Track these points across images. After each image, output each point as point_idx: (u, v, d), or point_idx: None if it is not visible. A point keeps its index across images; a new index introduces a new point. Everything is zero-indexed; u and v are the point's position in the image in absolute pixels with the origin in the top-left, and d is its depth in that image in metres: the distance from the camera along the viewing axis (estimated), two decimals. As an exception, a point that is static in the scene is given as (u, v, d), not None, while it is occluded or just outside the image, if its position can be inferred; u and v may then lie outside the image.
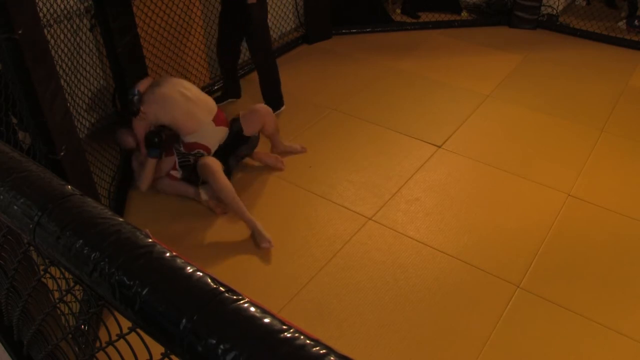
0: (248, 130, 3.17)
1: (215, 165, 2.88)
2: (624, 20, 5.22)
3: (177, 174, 3.12)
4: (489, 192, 3.18)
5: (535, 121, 3.83)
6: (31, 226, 0.84)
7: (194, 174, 3.09)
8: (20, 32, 1.89)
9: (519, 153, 3.49)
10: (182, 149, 3.07)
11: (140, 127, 3.02)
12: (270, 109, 3.24)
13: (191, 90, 3.07)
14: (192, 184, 3.10)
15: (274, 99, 3.83)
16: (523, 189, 3.19)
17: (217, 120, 3.08)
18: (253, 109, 3.20)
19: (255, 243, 2.79)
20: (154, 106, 2.96)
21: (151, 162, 3.02)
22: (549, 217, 2.97)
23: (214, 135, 3.08)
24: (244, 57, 4.50)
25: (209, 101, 3.11)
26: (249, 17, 3.52)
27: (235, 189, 3.02)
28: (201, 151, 3.05)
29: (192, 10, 3.89)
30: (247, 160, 3.37)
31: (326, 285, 2.59)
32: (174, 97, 2.97)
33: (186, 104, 2.97)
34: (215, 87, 4.17)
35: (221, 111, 3.15)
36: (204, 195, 3.05)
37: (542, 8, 5.16)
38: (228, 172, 3.07)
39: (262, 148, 3.39)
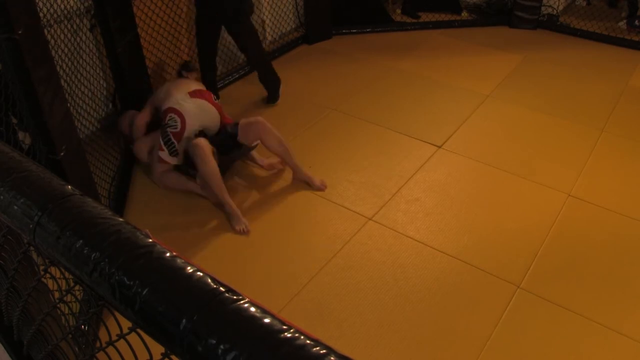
0: (242, 138, 3.16)
1: (205, 145, 2.92)
2: (625, 21, 5.21)
3: (165, 156, 3.08)
4: (489, 192, 3.18)
5: (535, 121, 3.83)
6: (31, 226, 0.84)
7: (190, 170, 3.11)
8: (20, 32, 1.89)
9: (519, 153, 3.49)
10: (162, 121, 3.13)
11: (147, 110, 3.31)
12: (268, 125, 3.11)
13: (184, 80, 3.33)
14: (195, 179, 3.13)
15: (274, 85, 3.99)
16: (523, 189, 3.19)
17: (193, 94, 3.16)
18: (251, 120, 3.14)
19: (231, 226, 2.90)
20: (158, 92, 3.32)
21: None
22: (549, 217, 2.97)
23: (187, 104, 3.11)
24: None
25: (193, 83, 3.28)
26: (237, 13, 3.60)
27: (236, 188, 3.02)
28: (173, 115, 3.06)
29: (192, 11, 3.89)
30: (248, 163, 3.36)
31: (326, 285, 2.59)
32: (166, 85, 3.30)
33: (168, 84, 3.27)
34: (218, 86, 4.17)
35: (209, 94, 3.24)
36: (200, 181, 3.07)
37: (543, 8, 5.16)
38: (222, 170, 3.09)
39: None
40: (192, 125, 3.08)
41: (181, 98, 3.12)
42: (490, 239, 2.85)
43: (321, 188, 3.18)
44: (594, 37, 5.01)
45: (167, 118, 3.07)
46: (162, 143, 3.09)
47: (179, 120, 3.05)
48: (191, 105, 3.10)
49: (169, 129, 3.06)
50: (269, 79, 3.98)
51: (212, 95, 3.24)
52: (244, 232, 2.87)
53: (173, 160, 3.12)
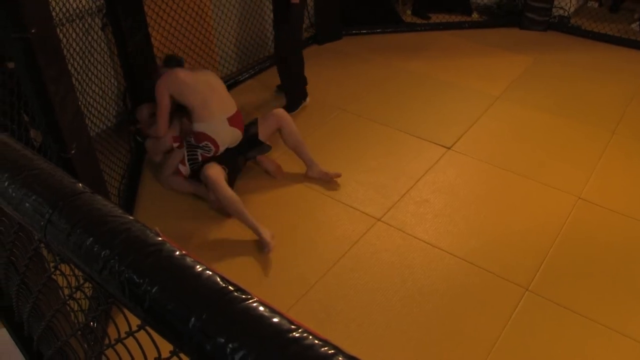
0: (262, 134, 3.18)
1: (216, 175, 2.86)
2: (637, 22, 5.18)
3: (184, 170, 3.11)
4: (498, 194, 3.17)
5: (545, 123, 3.81)
6: (42, 223, 0.84)
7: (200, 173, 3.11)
8: (33, 31, 1.91)
9: (528, 155, 3.47)
10: (192, 139, 3.07)
11: (164, 96, 3.05)
12: (286, 114, 3.21)
13: (217, 84, 3.14)
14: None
15: (292, 95, 3.90)
16: (533, 191, 3.18)
17: (231, 121, 3.09)
18: (270, 112, 3.23)
19: (260, 248, 2.79)
20: (180, 85, 3.02)
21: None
22: (558, 219, 2.96)
23: (225, 133, 3.08)
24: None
25: (229, 101, 3.14)
26: (287, 13, 3.56)
27: (244, 189, 3.02)
28: (209, 144, 3.04)
29: (203, 10, 3.91)
30: (251, 162, 3.36)
31: (334, 285, 2.59)
32: (198, 83, 3.04)
33: (205, 92, 3.03)
34: (227, 83, 4.19)
35: (240, 115, 3.17)
36: (212, 196, 3.05)
37: (553, 9, 5.13)
38: (237, 171, 3.13)
39: (291, 165, 3.36)
40: (222, 149, 3.10)
41: (221, 124, 3.05)
42: (499, 241, 2.84)
43: (337, 175, 3.23)
44: (606, 39, 4.98)
45: (202, 143, 3.04)
46: (186, 159, 3.09)
47: (213, 148, 3.06)
48: (228, 135, 3.09)
49: (200, 151, 3.06)
50: (289, 87, 3.91)
51: (242, 118, 3.20)
52: (267, 252, 2.77)
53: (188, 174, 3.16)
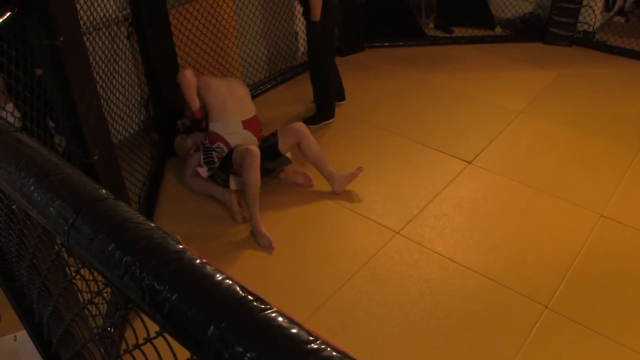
0: (282, 146, 3.18)
1: (257, 155, 2.93)
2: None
3: (202, 172, 3.19)
4: (519, 210, 3.13)
5: (568, 139, 3.76)
6: (65, 228, 0.85)
7: (219, 174, 3.20)
8: (61, 38, 1.94)
9: (551, 171, 3.43)
10: (207, 142, 3.19)
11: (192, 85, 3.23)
12: (305, 129, 3.17)
13: (238, 89, 3.30)
14: (220, 185, 3.22)
15: (319, 110, 3.92)
16: (554, 207, 3.13)
17: (246, 124, 3.20)
18: (291, 125, 3.22)
19: (256, 241, 2.89)
20: (204, 84, 3.24)
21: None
22: (580, 237, 2.91)
23: (237, 135, 3.17)
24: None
25: (248, 106, 3.27)
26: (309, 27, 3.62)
27: (262, 199, 3.02)
28: (221, 145, 3.14)
29: (226, 20, 3.95)
30: (276, 177, 3.38)
31: (351, 298, 2.57)
32: (219, 87, 3.23)
33: (224, 95, 3.20)
34: (253, 91, 4.22)
35: (257, 120, 3.27)
36: (233, 185, 3.14)
37: (578, 25, 5.08)
38: None
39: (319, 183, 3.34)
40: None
41: (235, 126, 3.18)
42: (519, 257, 2.80)
43: (360, 169, 3.20)
44: (631, 55, 4.91)
45: (215, 145, 3.16)
46: (202, 161, 3.19)
47: (226, 149, 3.15)
48: (240, 137, 3.19)
49: (214, 153, 3.17)
50: (318, 101, 3.91)
51: (259, 123, 3.32)
52: (268, 247, 2.86)
53: (207, 175, 3.22)
